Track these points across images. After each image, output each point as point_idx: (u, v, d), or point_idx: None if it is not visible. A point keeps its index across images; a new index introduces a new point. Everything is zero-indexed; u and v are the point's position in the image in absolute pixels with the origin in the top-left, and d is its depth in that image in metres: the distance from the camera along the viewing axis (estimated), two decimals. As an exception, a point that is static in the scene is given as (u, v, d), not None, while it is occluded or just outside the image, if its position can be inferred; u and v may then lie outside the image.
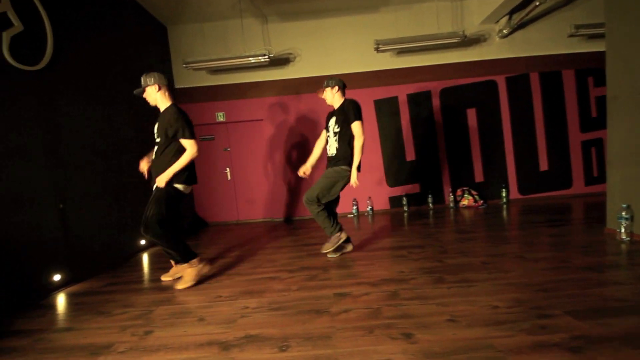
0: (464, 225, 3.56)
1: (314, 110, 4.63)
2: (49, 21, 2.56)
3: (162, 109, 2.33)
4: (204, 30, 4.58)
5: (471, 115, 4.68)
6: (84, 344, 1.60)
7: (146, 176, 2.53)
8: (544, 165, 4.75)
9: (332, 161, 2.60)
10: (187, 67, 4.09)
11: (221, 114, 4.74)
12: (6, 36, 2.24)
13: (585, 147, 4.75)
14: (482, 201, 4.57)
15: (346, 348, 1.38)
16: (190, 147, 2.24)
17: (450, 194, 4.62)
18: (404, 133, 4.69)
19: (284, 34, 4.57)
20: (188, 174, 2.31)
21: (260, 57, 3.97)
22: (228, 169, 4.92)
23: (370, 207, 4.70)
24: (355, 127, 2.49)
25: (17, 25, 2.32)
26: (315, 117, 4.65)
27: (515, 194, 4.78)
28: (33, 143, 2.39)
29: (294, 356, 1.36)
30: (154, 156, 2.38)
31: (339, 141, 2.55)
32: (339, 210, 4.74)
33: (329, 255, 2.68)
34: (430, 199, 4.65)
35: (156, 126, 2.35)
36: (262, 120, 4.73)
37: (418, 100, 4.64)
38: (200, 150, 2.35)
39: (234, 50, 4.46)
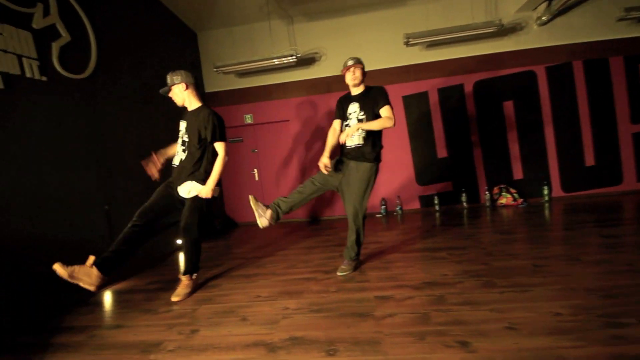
0: (505, 225, 3.36)
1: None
2: (92, 31, 2.69)
3: (190, 108, 2.29)
4: (232, 34, 4.66)
5: (508, 108, 4.42)
6: (134, 341, 1.64)
7: (156, 177, 2.41)
8: (590, 160, 4.39)
9: (355, 153, 2.21)
10: (217, 70, 4.18)
11: (249, 116, 4.81)
12: (55, 46, 2.38)
13: (636, 139, 4.34)
14: (521, 199, 4.30)
15: (397, 355, 1.31)
16: (223, 150, 2.22)
17: (487, 192, 4.38)
18: (435, 129, 4.52)
19: (310, 34, 4.55)
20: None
21: (287, 58, 3.97)
22: (256, 170, 4.97)
23: (399, 206, 4.57)
24: (386, 111, 2.15)
25: (65, 36, 2.46)
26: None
27: (558, 191, 4.46)
28: (81, 148, 2.52)
29: (344, 361, 1.31)
30: (179, 157, 2.29)
31: (366, 131, 2.19)
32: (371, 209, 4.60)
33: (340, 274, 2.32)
34: (464, 198, 4.45)
35: (184, 125, 2.28)
36: (288, 120, 4.74)
37: (450, 95, 4.45)
38: (228, 152, 2.32)
39: (262, 52, 4.50)
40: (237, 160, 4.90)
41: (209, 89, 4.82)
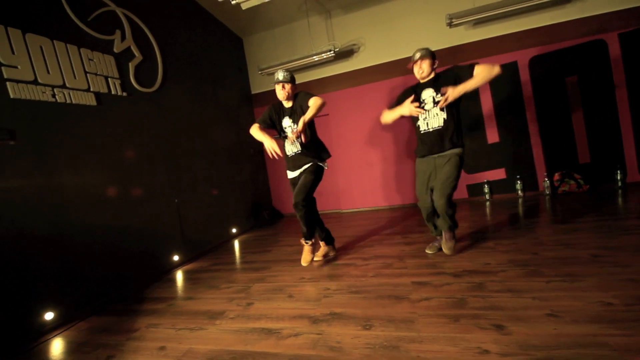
0: (565, 213, 3.09)
1: (378, 98, 4.56)
2: (158, 49, 3.12)
3: (288, 105, 2.42)
4: (273, 36, 4.91)
5: (572, 84, 3.97)
6: (203, 310, 1.97)
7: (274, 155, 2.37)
8: (679, 137, 3.75)
9: (444, 137, 2.16)
10: (261, 73, 4.47)
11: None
12: (132, 66, 2.83)
13: None
14: (588, 186, 3.86)
15: (430, 333, 1.40)
16: (316, 99, 2.23)
17: (546, 179, 4.02)
18: (485, 112, 4.25)
19: (348, 26, 4.59)
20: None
21: (326, 54, 4.09)
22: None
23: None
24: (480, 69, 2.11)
25: (138, 56, 2.91)
26: (379, 106, 4.57)
27: (634, 175, 3.90)
28: (155, 151, 2.98)
29: (378, 335, 1.44)
30: (294, 147, 2.44)
31: (447, 113, 2.12)
32: (406, 200, 4.58)
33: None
34: (519, 186, 4.14)
35: (290, 120, 2.42)
36: (327, 115, 4.87)
37: (501, 74, 4.12)
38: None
39: (301, 50, 4.68)
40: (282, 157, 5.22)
41: (254, 90, 5.17)
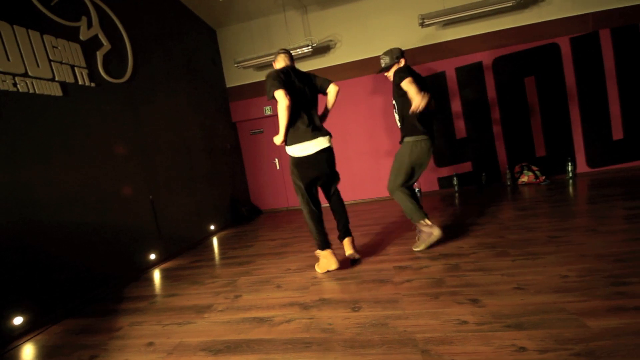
0: (525, 202, 3.40)
1: (356, 95, 4.68)
2: (127, 37, 2.97)
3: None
4: (249, 28, 4.83)
5: (529, 84, 4.33)
6: (189, 305, 1.95)
7: None
8: (617, 133, 4.24)
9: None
10: (237, 66, 4.39)
11: (268, 107, 5.01)
12: (100, 55, 2.67)
13: (672, 109, 4.13)
14: (544, 177, 4.26)
15: (414, 310, 1.51)
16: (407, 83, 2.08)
17: (507, 171, 4.38)
18: (453, 109, 4.52)
19: (324, 22, 4.64)
20: None
21: (303, 48, 4.11)
22: (277, 159, 5.21)
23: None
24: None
25: (106, 45, 2.75)
26: (357, 102, 4.70)
27: (583, 167, 4.37)
28: (128, 144, 2.84)
29: (367, 315, 1.52)
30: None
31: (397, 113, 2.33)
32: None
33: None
34: (484, 178, 4.47)
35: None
36: (307, 109, 4.89)
37: (468, 74, 4.42)
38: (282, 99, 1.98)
39: (278, 44, 4.66)
40: (259, 151, 5.17)
41: (230, 84, 5.06)
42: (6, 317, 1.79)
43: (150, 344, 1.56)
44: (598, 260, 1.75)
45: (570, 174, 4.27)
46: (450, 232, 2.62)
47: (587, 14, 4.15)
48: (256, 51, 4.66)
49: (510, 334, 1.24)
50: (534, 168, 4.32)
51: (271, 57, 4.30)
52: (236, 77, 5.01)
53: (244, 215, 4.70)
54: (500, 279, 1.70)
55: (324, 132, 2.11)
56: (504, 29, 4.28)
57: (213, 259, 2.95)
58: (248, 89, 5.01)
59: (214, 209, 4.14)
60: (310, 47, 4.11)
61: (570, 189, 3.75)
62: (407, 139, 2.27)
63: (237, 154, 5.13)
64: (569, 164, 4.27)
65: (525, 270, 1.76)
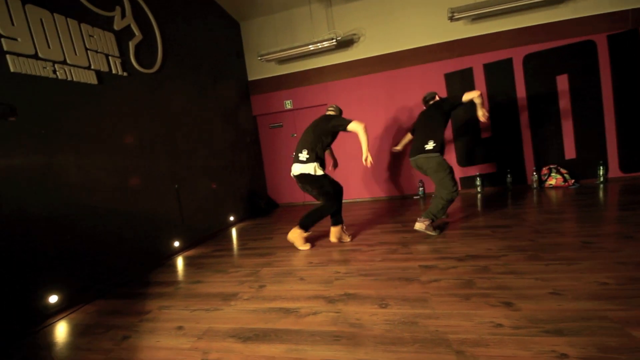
0: (554, 205, 3.27)
1: (376, 90, 4.61)
2: (158, 28, 3.01)
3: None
4: (272, 21, 4.83)
5: (562, 82, 4.15)
6: (214, 292, 1.98)
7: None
8: (657, 137, 4.01)
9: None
10: (261, 59, 4.40)
11: (289, 101, 5.01)
12: (132, 45, 2.72)
13: None
14: (573, 180, 4.09)
15: (444, 310, 1.47)
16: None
17: (534, 173, 4.22)
18: (478, 107, 4.37)
19: (348, 15, 4.57)
20: None
21: (328, 42, 4.07)
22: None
23: (421, 188, 4.58)
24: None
25: (138, 35, 2.80)
26: (378, 97, 4.63)
27: (615, 171, 4.16)
28: (156, 132, 2.90)
29: (395, 312, 1.50)
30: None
31: None
32: (405, 191, 4.67)
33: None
34: (509, 179, 4.33)
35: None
36: (326, 104, 4.87)
37: (496, 70, 4.27)
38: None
39: (301, 38, 4.64)
40: (277, 145, 5.19)
41: (251, 77, 5.08)
42: (43, 295, 1.87)
43: (180, 327, 1.59)
44: (638, 269, 1.66)
45: (602, 179, 4.08)
46: (476, 234, 2.55)
47: (627, 10, 3.93)
48: (279, 44, 4.65)
49: (550, 340, 1.19)
50: (563, 171, 4.15)
51: (295, 51, 4.30)
52: (258, 70, 5.03)
53: (261, 208, 4.75)
54: (534, 283, 1.64)
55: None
56: (536, 24, 4.10)
57: (234, 249, 2.99)
58: (269, 83, 5.02)
59: (233, 200, 4.19)
60: (334, 40, 4.07)
61: (601, 193, 3.59)
62: (438, 154, 2.72)
63: (256, 147, 5.17)
64: (601, 167, 4.08)
65: (560, 276, 1.70)
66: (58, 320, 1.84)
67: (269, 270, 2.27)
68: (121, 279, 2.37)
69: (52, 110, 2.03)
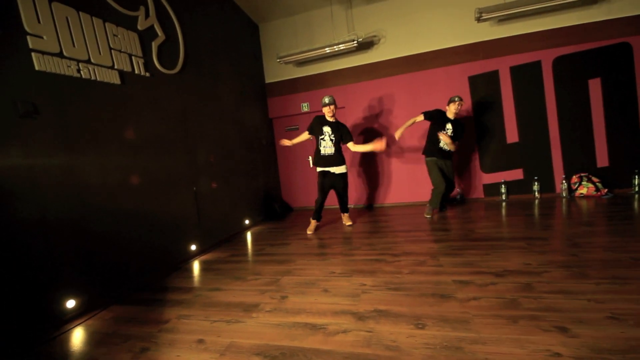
0: (589, 217, 3.06)
1: (394, 93, 4.49)
2: (180, 29, 2.98)
3: (330, 119, 3.41)
4: (291, 23, 4.77)
5: (594, 87, 3.94)
6: (235, 302, 1.89)
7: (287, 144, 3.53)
8: (698, 145, 3.75)
9: (449, 156, 3.66)
10: (280, 61, 4.34)
11: (306, 104, 4.93)
12: (155, 45, 2.69)
13: None
14: (605, 190, 3.86)
15: (491, 334, 1.33)
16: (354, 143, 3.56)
17: (564, 181, 4.01)
18: (505, 112, 4.20)
19: (369, 17, 4.48)
20: None
21: (349, 44, 3.98)
22: (310, 157, 5.11)
23: (460, 194, 4.40)
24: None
25: (161, 36, 2.76)
26: (395, 100, 4.51)
27: (652, 181, 3.90)
28: (177, 137, 2.86)
29: (434, 335, 1.37)
30: (329, 150, 3.39)
31: (454, 144, 3.56)
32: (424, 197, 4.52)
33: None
34: (536, 187, 4.12)
35: (330, 129, 3.37)
36: (344, 107, 4.77)
37: (524, 73, 4.09)
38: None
39: (320, 39, 4.56)
40: (292, 148, 5.10)
41: (269, 79, 5.04)
42: (60, 300, 1.82)
43: (201, 341, 1.50)
44: None
45: (637, 188, 3.83)
46: (509, 246, 2.39)
47: (667, 10, 3.70)
48: (298, 46, 4.59)
49: (622, 376, 1.04)
50: (595, 179, 3.93)
51: (315, 53, 4.23)
52: (275, 73, 4.98)
53: (276, 212, 4.66)
54: (587, 305, 1.49)
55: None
56: (567, 26, 3.91)
57: (251, 254, 2.90)
58: (286, 85, 4.96)
59: (248, 203, 4.12)
60: (355, 42, 3.97)
61: (634, 204, 3.35)
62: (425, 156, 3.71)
63: (271, 150, 5.10)
64: (636, 176, 3.83)
65: (615, 297, 1.53)
66: (75, 327, 1.78)
67: (290, 279, 2.16)
68: (138, 283, 2.31)
69: (75, 109, 1.99)
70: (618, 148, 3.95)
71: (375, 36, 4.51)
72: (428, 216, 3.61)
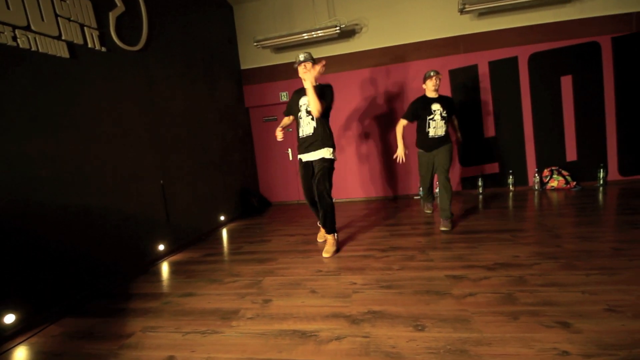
0: (565, 208, 3.16)
1: (378, 84, 4.39)
2: (144, 2, 2.64)
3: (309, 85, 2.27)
4: (271, 6, 4.49)
5: (566, 83, 4.08)
6: (210, 308, 1.67)
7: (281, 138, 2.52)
8: (655, 141, 4.02)
9: (442, 142, 2.87)
10: (257, 45, 4.07)
11: (284, 93, 4.70)
12: (112, 16, 2.34)
13: None
14: (574, 182, 4.04)
15: (494, 333, 1.25)
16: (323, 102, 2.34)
17: (536, 175, 4.14)
18: (483, 106, 4.25)
19: (351, 4, 4.31)
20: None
21: (331, 29, 3.80)
22: (290, 150, 4.92)
23: (438, 188, 4.42)
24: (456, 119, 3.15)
25: (120, 6, 2.42)
26: (379, 92, 4.41)
27: (614, 174, 4.15)
28: (139, 119, 2.54)
29: (436, 337, 1.27)
30: (308, 128, 2.38)
31: (447, 124, 2.87)
32: (404, 191, 4.48)
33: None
34: (511, 180, 4.23)
35: (305, 100, 2.37)
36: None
37: (501, 68, 4.15)
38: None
39: (301, 25, 4.33)
40: (271, 140, 4.86)
41: (244, 65, 4.73)
42: (-5, 314, 1.50)
43: (171, 358, 1.29)
44: (693, 281, 1.51)
45: (602, 181, 4.05)
46: (495, 238, 2.38)
47: (631, 13, 3.90)
48: (277, 30, 4.32)
49: (634, 374, 0.99)
50: (565, 173, 4.10)
51: (294, 38, 4.00)
52: (252, 59, 4.68)
53: (254, 207, 4.42)
54: (582, 297, 1.46)
55: None
56: (543, 23, 4.01)
57: (228, 253, 2.67)
58: (264, 72, 4.68)
59: (224, 198, 3.85)
60: (338, 28, 3.80)
61: (606, 196, 3.53)
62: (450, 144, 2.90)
63: (248, 141, 4.82)
64: (601, 170, 4.05)
65: (607, 288, 1.52)
66: (14, 347, 1.48)
67: (273, 280, 1.98)
68: (95, 290, 2.01)
69: (11, 84, 1.65)
70: (585, 143, 4.14)
71: (357, 24, 4.36)
72: (428, 211, 3.45)
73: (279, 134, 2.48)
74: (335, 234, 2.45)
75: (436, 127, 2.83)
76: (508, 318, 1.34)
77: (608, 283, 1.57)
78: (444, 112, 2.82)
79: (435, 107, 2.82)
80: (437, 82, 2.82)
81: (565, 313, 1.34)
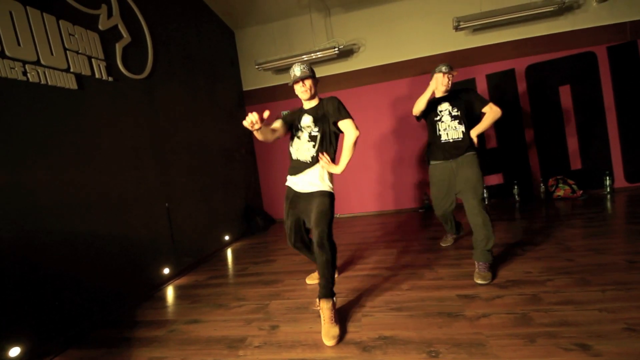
0: (573, 218, 3.11)
1: (378, 100, 4.45)
2: (148, 31, 2.73)
3: (311, 105, 2.02)
4: (269, 31, 4.63)
5: (564, 93, 4.11)
6: (217, 336, 1.64)
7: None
8: (659, 147, 4.00)
9: (460, 147, 2.21)
10: (258, 67, 4.17)
11: (286, 112, 4.74)
12: (119, 47, 2.43)
13: None
14: (581, 191, 3.99)
15: (512, 359, 1.21)
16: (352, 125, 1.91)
17: (542, 184, 4.11)
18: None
19: (348, 25, 4.44)
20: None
21: (329, 51, 3.90)
22: (293, 166, 4.93)
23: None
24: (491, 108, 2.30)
25: (126, 37, 2.51)
26: (378, 109, 4.47)
27: (621, 181, 4.10)
28: (144, 145, 2.58)
29: (450, 363, 1.22)
30: (309, 153, 1.98)
31: (462, 124, 2.23)
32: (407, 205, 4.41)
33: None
34: (516, 190, 4.19)
35: (310, 117, 1.98)
36: (326, 115, 4.65)
37: (499, 81, 4.20)
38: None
39: (299, 47, 4.45)
40: (273, 157, 4.90)
41: (246, 87, 4.83)
42: (0, 347, 1.48)
43: (178, 392, 1.25)
44: None
45: (608, 189, 4.00)
46: (503, 253, 2.33)
47: (625, 22, 3.96)
48: (277, 53, 4.44)
49: (663, 402, 0.94)
50: (570, 182, 4.06)
51: (294, 60, 4.09)
52: (253, 80, 4.79)
53: (258, 225, 4.40)
54: (599, 315, 1.41)
55: None
56: (536, 36, 4.08)
57: (233, 275, 2.64)
58: (265, 93, 4.78)
59: (228, 217, 3.84)
60: (336, 49, 3.89)
61: (614, 204, 3.48)
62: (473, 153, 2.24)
63: (251, 159, 4.86)
64: (607, 177, 4.01)
65: (625, 305, 1.47)
66: (17, 382, 1.45)
67: (279, 303, 1.95)
68: (101, 319, 1.98)
69: (21, 117, 1.70)
70: (589, 151, 4.12)
71: (355, 44, 4.47)
72: (443, 245, 2.70)
73: (255, 117, 1.57)
74: (334, 298, 1.67)
75: (447, 128, 2.23)
76: (524, 341, 1.30)
77: (625, 299, 1.52)
78: (454, 109, 2.23)
79: (443, 107, 2.27)
80: (448, 82, 2.21)
81: (583, 334, 1.29)
